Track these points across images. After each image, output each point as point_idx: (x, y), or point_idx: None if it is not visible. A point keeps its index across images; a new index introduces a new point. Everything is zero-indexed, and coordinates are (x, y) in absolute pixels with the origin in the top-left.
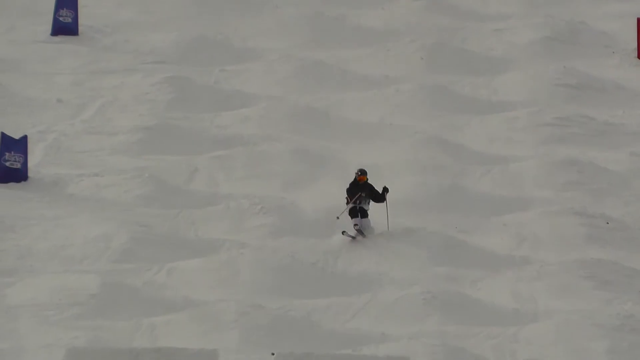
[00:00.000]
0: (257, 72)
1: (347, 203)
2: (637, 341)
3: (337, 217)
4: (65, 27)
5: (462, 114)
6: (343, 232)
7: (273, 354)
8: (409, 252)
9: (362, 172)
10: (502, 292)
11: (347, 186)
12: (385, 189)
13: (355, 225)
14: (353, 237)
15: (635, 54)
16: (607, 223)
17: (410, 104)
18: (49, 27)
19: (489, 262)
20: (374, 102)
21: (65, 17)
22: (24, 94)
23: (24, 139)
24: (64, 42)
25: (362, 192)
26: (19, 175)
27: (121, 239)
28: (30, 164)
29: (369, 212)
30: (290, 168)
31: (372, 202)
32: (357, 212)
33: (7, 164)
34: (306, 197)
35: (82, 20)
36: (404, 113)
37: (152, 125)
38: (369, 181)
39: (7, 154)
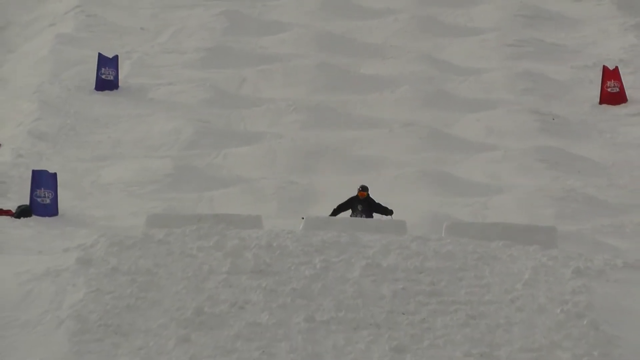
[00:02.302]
0: (290, 6)
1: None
2: (578, 208)
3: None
4: None
5: (445, 37)
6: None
7: (303, 218)
8: (405, 141)
9: (363, 189)
10: (476, 171)
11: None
12: (391, 212)
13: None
14: None
15: None
16: (554, 119)
17: (406, 29)
18: None
19: (466, 148)
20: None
21: None
22: (115, 23)
23: (115, 58)
24: None
25: (358, 209)
26: (112, 85)
27: (188, 131)
28: (120, 76)
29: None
30: (315, 78)
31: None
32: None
33: (103, 76)
34: (328, 99)
35: None
36: (403, 37)
37: (211, 46)
38: (371, 195)
39: (103, 69)
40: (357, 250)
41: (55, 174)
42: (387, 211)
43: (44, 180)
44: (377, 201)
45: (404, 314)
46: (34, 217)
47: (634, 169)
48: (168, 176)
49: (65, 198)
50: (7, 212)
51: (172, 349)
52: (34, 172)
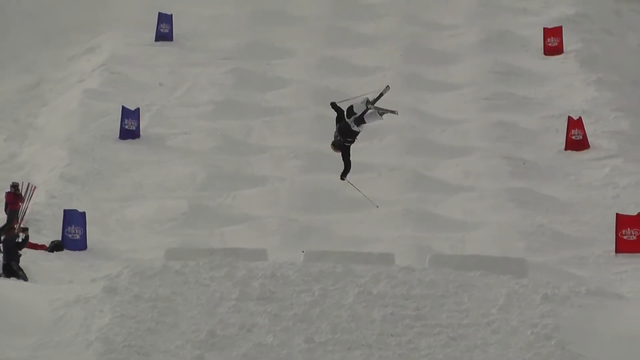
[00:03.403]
0: (291, 65)
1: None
2: (545, 241)
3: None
4: (164, 36)
5: (427, 92)
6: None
7: (303, 251)
8: (392, 183)
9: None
10: (454, 209)
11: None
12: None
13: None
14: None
15: (542, 52)
16: (524, 164)
17: (393, 84)
18: (153, 35)
19: (445, 189)
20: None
21: (164, 28)
22: (136, 79)
23: (137, 110)
24: (163, 46)
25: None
26: (134, 134)
27: (202, 175)
28: (141, 126)
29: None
30: (313, 128)
31: None
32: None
33: (126, 127)
34: (324, 146)
35: (175, 31)
36: (390, 91)
37: (222, 100)
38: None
39: (126, 120)
40: (351, 279)
41: (84, 213)
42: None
43: (74, 219)
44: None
45: (392, 335)
46: (65, 251)
47: (595, 207)
48: (184, 214)
49: (93, 234)
50: (41, 247)
51: None
52: (65, 211)
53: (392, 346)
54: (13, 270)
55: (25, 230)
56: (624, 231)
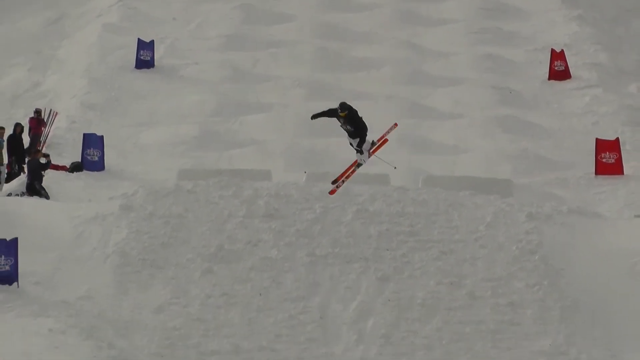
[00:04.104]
0: (294, 1)
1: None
2: (530, 164)
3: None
4: None
5: (421, 26)
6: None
7: (305, 172)
8: (388, 111)
9: (342, 108)
10: (446, 135)
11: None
12: (364, 129)
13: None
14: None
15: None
16: (510, 93)
17: (389, 20)
18: None
19: (438, 116)
20: (367, 20)
21: None
22: (151, 14)
23: (152, 42)
24: None
25: (340, 122)
26: (149, 64)
27: (211, 103)
28: (156, 57)
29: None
30: (315, 60)
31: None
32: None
33: (142, 57)
34: (325, 76)
35: None
36: (386, 26)
37: (230, 33)
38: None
39: (141, 51)
40: (350, 198)
41: (102, 137)
42: (361, 128)
43: (93, 142)
44: (359, 115)
45: (387, 250)
46: (84, 171)
47: (576, 133)
48: (195, 139)
49: (110, 156)
50: (62, 168)
51: (198, 279)
52: (84, 135)
53: (387, 260)
54: (36, 190)
55: (46, 156)
56: (602, 155)
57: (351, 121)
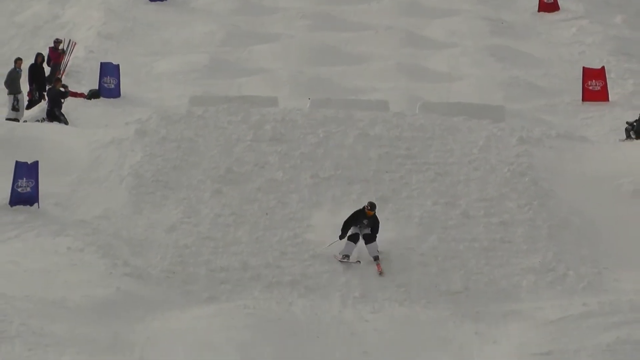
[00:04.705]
0: None
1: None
2: (520, 91)
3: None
4: None
5: None
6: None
7: (309, 99)
8: (387, 41)
9: (372, 207)
10: (441, 64)
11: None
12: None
13: (343, 257)
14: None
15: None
16: (502, 23)
17: None
18: None
19: (433, 46)
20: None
21: None
22: None
23: None
24: None
25: (363, 223)
26: None
27: (221, 33)
28: None
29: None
30: None
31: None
32: (358, 238)
33: None
34: (329, 8)
35: None
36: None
37: None
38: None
39: None
40: (351, 123)
41: (118, 65)
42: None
43: (109, 70)
44: (378, 219)
45: (387, 172)
46: (101, 98)
47: (563, 62)
48: (206, 67)
49: (126, 84)
50: (80, 95)
51: (208, 199)
52: (101, 63)
53: (386, 181)
54: (56, 116)
55: (65, 87)
56: (589, 82)
57: (373, 224)
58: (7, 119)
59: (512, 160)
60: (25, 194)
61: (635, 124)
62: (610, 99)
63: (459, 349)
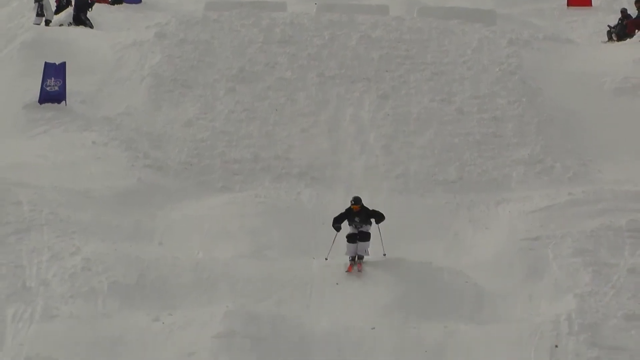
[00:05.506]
0: None
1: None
2: None
3: (326, 258)
4: None
5: None
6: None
7: (315, 4)
8: None
9: (356, 202)
10: None
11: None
12: (382, 217)
13: (351, 260)
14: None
15: None
16: None
17: None
18: None
19: None
20: None
21: None
22: None
23: None
24: None
25: (355, 221)
26: None
27: None
28: None
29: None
30: None
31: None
32: (356, 237)
33: None
34: None
35: None
36: None
37: None
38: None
39: None
40: (354, 26)
41: None
42: (379, 216)
43: None
44: (370, 208)
45: (387, 71)
46: (124, 4)
47: None
48: None
49: None
50: (104, 1)
51: (223, 96)
52: None
53: (386, 80)
54: (82, 20)
55: None
56: None
57: (365, 216)
58: (34, 24)
59: (502, 61)
60: (53, 93)
61: (616, 26)
62: (593, 4)
63: (454, 236)
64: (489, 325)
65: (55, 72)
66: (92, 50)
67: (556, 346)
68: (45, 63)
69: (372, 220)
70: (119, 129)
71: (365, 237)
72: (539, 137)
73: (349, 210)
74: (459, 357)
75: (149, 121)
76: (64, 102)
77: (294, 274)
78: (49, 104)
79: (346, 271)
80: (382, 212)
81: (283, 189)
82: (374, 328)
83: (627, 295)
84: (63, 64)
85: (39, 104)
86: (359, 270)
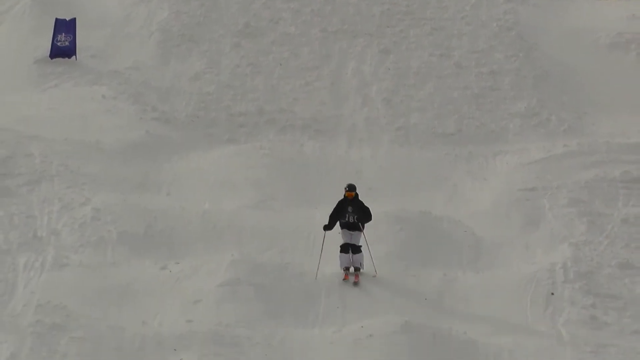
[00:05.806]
0: None
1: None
2: None
3: (316, 278)
4: None
5: None
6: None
7: None
8: None
9: (350, 188)
10: None
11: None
12: (369, 217)
13: (345, 270)
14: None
15: None
16: None
17: None
18: None
19: None
20: None
21: None
22: None
23: None
24: None
25: (349, 211)
26: None
27: None
28: None
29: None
30: None
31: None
32: (349, 247)
33: None
34: None
35: None
36: None
37: None
38: (359, 197)
39: None
40: None
41: None
42: (367, 215)
43: None
44: (365, 204)
45: (388, 27)
46: None
47: None
48: None
49: None
50: None
51: (229, 51)
52: None
53: (387, 35)
54: None
55: None
56: None
57: (359, 208)
58: None
59: (500, 17)
60: (64, 47)
61: None
62: None
63: (453, 186)
64: (487, 273)
65: (65, 27)
66: (101, 5)
67: (552, 293)
68: (56, 19)
69: (360, 224)
70: (127, 83)
71: (357, 250)
72: (535, 90)
73: (342, 201)
74: (457, 304)
75: (157, 75)
76: (74, 56)
77: (297, 224)
78: (60, 59)
79: (343, 279)
80: (370, 211)
81: (287, 141)
82: (375, 276)
83: (620, 245)
84: (73, 20)
85: (50, 58)
86: (356, 282)
